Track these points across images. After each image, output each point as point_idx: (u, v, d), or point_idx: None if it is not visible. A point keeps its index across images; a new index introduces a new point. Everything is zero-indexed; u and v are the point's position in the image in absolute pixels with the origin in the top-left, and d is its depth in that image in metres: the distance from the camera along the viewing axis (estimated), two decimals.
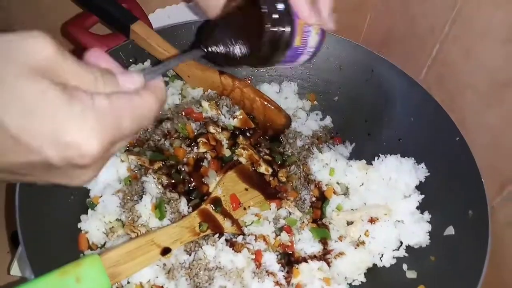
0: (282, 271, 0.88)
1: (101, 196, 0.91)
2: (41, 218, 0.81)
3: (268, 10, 0.72)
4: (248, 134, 1.03)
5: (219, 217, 0.90)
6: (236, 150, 0.99)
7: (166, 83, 1.10)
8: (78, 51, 0.47)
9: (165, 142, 0.96)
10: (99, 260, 0.70)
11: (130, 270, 0.76)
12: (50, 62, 0.40)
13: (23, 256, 0.75)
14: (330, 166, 1.03)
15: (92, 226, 0.88)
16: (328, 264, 0.92)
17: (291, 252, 0.92)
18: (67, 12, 1.10)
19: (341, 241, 0.95)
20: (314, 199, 1.02)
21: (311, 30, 0.79)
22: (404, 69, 1.06)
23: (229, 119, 1.04)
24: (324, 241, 0.95)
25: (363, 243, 0.95)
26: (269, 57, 0.77)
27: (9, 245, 1.07)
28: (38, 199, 0.81)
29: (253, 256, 0.87)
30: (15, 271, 0.92)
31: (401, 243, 0.96)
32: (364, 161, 1.02)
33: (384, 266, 0.94)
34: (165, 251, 0.81)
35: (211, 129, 0.97)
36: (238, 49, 0.73)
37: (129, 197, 0.91)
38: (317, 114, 1.19)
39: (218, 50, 0.72)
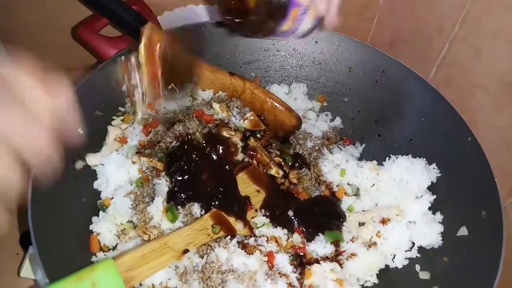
0: (295, 272, 0.87)
1: (113, 198, 0.91)
2: (53, 220, 0.81)
3: None
4: (258, 136, 1.03)
5: (231, 219, 0.90)
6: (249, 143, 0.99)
7: None
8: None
9: (177, 144, 0.95)
10: (114, 264, 0.70)
11: (144, 274, 0.76)
12: None
13: (35, 258, 0.75)
14: (341, 167, 1.03)
15: (104, 228, 0.88)
16: (340, 265, 0.91)
17: (302, 253, 0.92)
18: (77, 15, 1.10)
19: (353, 242, 0.95)
20: None
21: (305, 17, 0.82)
22: (412, 69, 1.06)
23: (239, 120, 1.03)
24: (336, 242, 0.94)
25: (375, 244, 0.95)
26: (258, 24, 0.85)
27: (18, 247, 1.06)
28: (50, 201, 0.81)
29: (266, 258, 0.86)
30: (26, 273, 0.92)
31: (413, 244, 0.95)
32: (375, 162, 1.02)
33: (396, 267, 0.94)
34: (184, 251, 0.82)
35: (224, 132, 0.96)
36: None
37: (140, 199, 0.90)
38: (326, 115, 1.19)
39: None
